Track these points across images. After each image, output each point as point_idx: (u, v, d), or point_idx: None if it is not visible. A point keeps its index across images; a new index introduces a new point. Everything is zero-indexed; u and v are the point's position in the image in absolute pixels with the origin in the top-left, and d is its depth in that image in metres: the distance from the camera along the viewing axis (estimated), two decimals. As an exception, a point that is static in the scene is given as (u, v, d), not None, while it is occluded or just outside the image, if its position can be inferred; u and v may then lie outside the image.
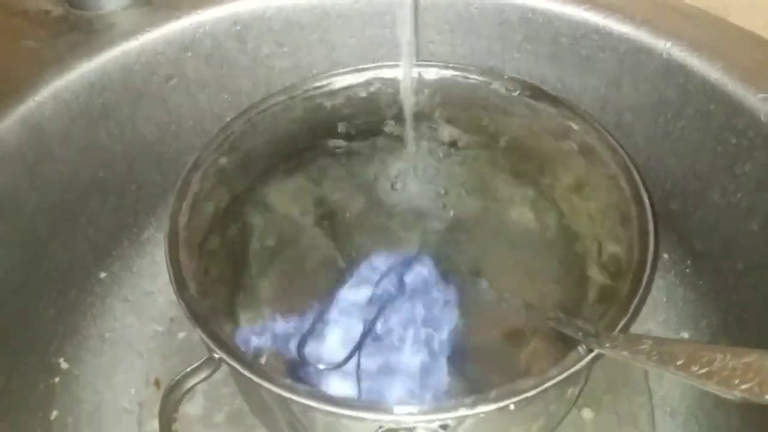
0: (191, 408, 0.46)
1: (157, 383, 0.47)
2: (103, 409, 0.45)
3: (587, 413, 0.44)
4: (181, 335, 0.50)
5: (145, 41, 0.45)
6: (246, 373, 0.30)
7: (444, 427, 0.31)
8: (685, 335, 0.45)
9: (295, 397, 0.29)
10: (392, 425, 0.30)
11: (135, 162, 0.49)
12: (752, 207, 0.40)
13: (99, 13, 0.47)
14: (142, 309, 0.50)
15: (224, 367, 0.46)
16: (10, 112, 0.41)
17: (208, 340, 0.31)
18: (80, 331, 0.47)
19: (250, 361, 0.30)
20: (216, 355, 0.31)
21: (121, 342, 0.48)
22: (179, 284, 0.33)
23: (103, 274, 0.49)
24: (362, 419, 0.28)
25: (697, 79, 0.41)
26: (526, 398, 0.29)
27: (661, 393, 0.44)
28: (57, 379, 0.44)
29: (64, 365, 0.45)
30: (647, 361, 0.27)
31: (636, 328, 0.47)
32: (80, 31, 0.45)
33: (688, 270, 0.46)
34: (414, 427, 0.31)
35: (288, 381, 0.29)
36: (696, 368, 0.24)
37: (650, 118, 0.45)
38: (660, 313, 0.47)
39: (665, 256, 0.48)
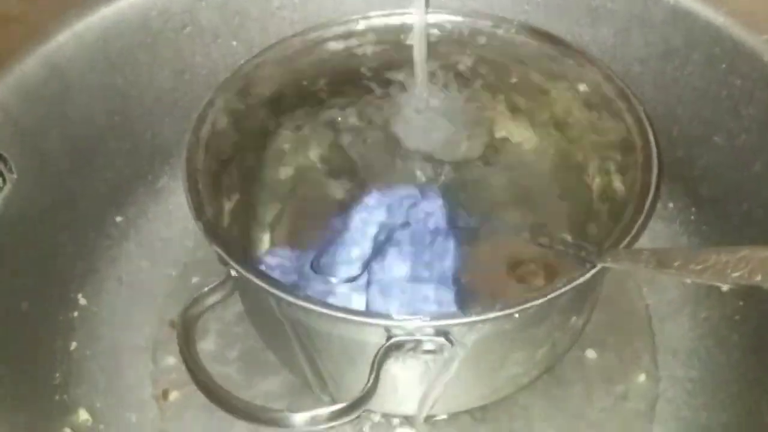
0: (204, 345, 0.47)
1: (172, 324, 0.49)
2: (119, 345, 0.46)
3: (591, 353, 0.45)
4: (194, 280, 0.51)
5: (161, -13, 0.46)
6: (259, 282, 0.31)
7: (449, 339, 0.32)
8: (688, 280, 0.46)
9: (305, 304, 0.30)
10: (398, 333, 0.31)
11: (150, 109, 0.50)
12: (755, 147, 0.41)
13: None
14: (157, 254, 0.51)
15: (236, 307, 0.48)
16: (33, 52, 0.42)
17: (223, 254, 0.32)
18: (98, 272, 0.48)
19: (263, 273, 0.32)
20: (232, 271, 0.33)
21: (136, 284, 0.50)
22: (197, 207, 0.35)
23: (119, 218, 0.50)
24: (367, 324, 0.29)
25: (703, 24, 0.42)
26: (531, 310, 0.30)
27: (664, 335, 0.45)
28: (76, 314, 0.46)
29: (82, 301, 0.46)
30: (647, 268, 0.28)
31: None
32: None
33: (692, 217, 0.47)
34: (420, 341, 0.32)
35: (299, 290, 0.30)
36: (692, 266, 0.25)
37: (658, 67, 0.46)
38: (664, 260, 0.48)
39: (670, 205, 0.48)
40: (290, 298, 0.31)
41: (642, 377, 0.43)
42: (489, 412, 0.42)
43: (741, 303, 0.42)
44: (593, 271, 0.31)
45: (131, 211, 0.51)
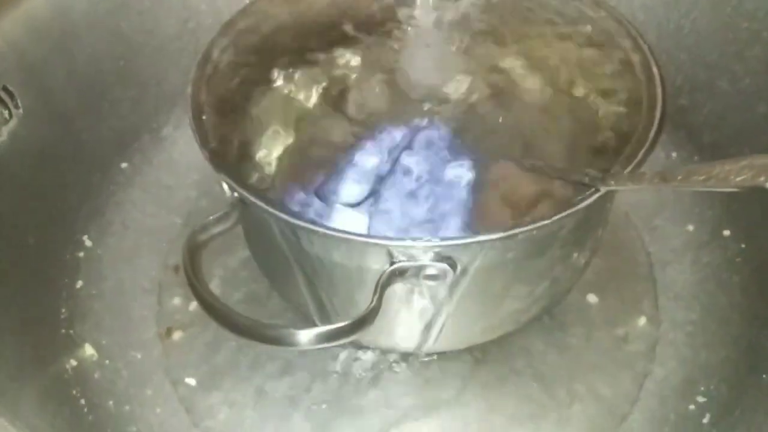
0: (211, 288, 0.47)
1: (176, 269, 0.49)
2: (124, 286, 0.47)
3: (592, 298, 0.45)
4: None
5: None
6: (263, 205, 0.31)
7: (452, 265, 0.32)
8: (690, 228, 0.46)
9: (308, 226, 0.30)
10: (401, 258, 0.31)
11: (155, 57, 0.51)
12: (760, 89, 0.41)
13: None
14: (162, 201, 0.52)
15: (241, 254, 0.48)
16: (40, -13, 0.43)
17: (228, 179, 0.32)
18: (104, 215, 0.49)
19: (267, 197, 0.32)
20: (236, 196, 0.33)
21: (141, 229, 0.50)
22: (202, 136, 0.35)
23: (124, 164, 0.51)
24: (369, 245, 0.30)
25: (710, -34, 0.42)
26: (534, 236, 0.30)
27: (666, 281, 0.45)
28: (82, 254, 0.46)
29: (88, 243, 0.47)
30: (649, 185, 0.28)
31: (643, 224, 0.48)
32: None
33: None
34: (423, 266, 0.32)
35: (302, 213, 0.30)
36: (695, 177, 0.25)
37: (662, 14, 0.46)
38: (667, 209, 0.48)
39: (673, 154, 0.49)
40: (294, 221, 0.31)
41: (643, 320, 0.44)
42: (489, 352, 0.43)
43: (743, 245, 0.42)
44: (596, 196, 0.31)
45: (136, 158, 0.52)
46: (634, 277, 0.46)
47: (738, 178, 0.23)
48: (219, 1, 0.51)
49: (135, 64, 0.50)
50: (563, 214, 0.30)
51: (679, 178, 0.26)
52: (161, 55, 0.51)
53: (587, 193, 0.31)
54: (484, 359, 0.43)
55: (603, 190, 0.30)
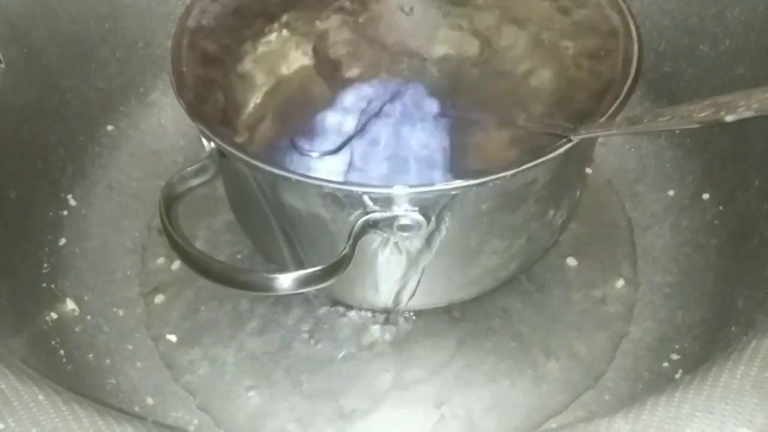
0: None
1: (159, 231, 0.49)
2: (108, 246, 0.47)
3: (571, 261, 0.46)
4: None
5: None
6: (239, 154, 0.31)
7: (425, 216, 0.32)
8: (671, 193, 0.47)
9: (282, 173, 0.31)
10: (375, 209, 0.31)
11: (142, 19, 0.51)
12: (739, 51, 0.41)
13: None
14: (147, 165, 0.52)
15: (225, 216, 0.49)
16: (21, -58, 0.43)
17: (204, 128, 0.33)
18: (88, 177, 0.49)
19: (240, 145, 0.32)
20: (212, 146, 0.33)
21: (126, 192, 0.50)
22: (180, 87, 0.35)
23: (110, 127, 0.51)
24: (341, 191, 0.30)
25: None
26: (505, 185, 0.31)
27: (645, 245, 0.46)
28: (65, 213, 0.46)
29: (72, 202, 0.47)
30: (618, 130, 0.28)
31: (625, 190, 0.49)
32: None
33: (677, 131, 0.47)
34: (396, 216, 0.33)
35: (277, 162, 0.31)
36: (661, 119, 0.25)
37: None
38: (649, 176, 0.48)
39: (656, 121, 0.49)
40: (268, 168, 0.31)
41: (621, 283, 0.44)
42: (467, 311, 0.43)
43: (720, 208, 0.42)
44: (568, 146, 0.31)
45: (123, 121, 0.52)
46: (614, 242, 0.46)
47: (701, 115, 0.23)
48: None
49: (122, 26, 0.50)
50: (534, 162, 0.30)
51: (646, 120, 0.26)
52: (148, 17, 0.51)
53: (559, 143, 0.31)
54: (462, 317, 0.43)
55: (575, 139, 0.31)
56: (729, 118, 0.22)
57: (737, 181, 0.41)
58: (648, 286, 0.44)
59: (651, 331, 0.41)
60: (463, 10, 0.41)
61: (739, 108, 0.22)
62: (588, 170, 0.47)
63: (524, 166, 0.30)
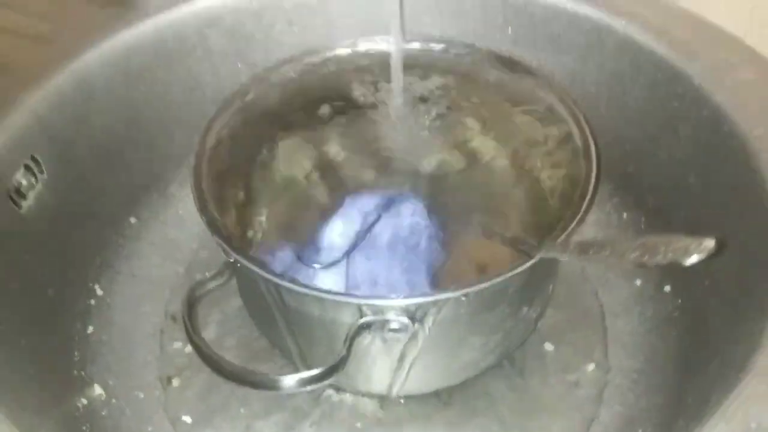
0: (206, 334, 0.52)
1: (173, 318, 0.54)
2: (131, 332, 0.52)
3: (548, 346, 0.50)
4: (197, 276, 0.57)
5: (176, 15, 0.53)
6: (250, 265, 0.37)
7: (412, 320, 0.37)
8: (638, 283, 0.51)
9: (288, 284, 0.36)
10: (369, 313, 0.36)
11: (163, 122, 0.57)
12: (691, 162, 0.46)
13: (138, -9, 0.55)
14: (166, 252, 0.57)
15: (235, 302, 0.54)
16: (63, 68, 0.49)
17: (221, 241, 0.38)
18: (113, 266, 0.54)
19: (253, 258, 0.37)
20: (231, 259, 0.38)
21: (147, 279, 0.55)
22: (201, 204, 0.41)
23: (133, 220, 0.56)
24: (338, 302, 0.35)
25: (647, 52, 0.48)
26: (476, 295, 0.36)
27: (616, 331, 0.50)
28: (93, 302, 0.51)
29: (99, 291, 0.52)
30: (570, 257, 0.33)
31: (597, 278, 0.53)
32: (122, 4, 0.53)
33: (642, 226, 0.52)
34: (387, 320, 0.38)
35: (284, 273, 0.36)
36: (603, 252, 0.30)
37: (611, 89, 0.52)
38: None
39: (624, 215, 0.54)
40: (277, 280, 0.37)
41: (592, 367, 0.49)
42: (455, 395, 0.48)
43: (680, 301, 0.47)
44: (529, 264, 0.36)
45: (144, 213, 0.57)
46: (588, 327, 0.51)
47: (631, 256, 0.28)
48: (221, 72, 0.58)
49: (146, 128, 0.56)
50: (498, 279, 0.35)
51: (591, 252, 0.31)
52: (169, 120, 0.57)
53: (521, 261, 0.36)
54: (449, 402, 0.47)
55: (536, 257, 0.36)
56: (650, 263, 0.27)
57: (694, 277, 0.46)
58: (618, 370, 0.48)
59: (619, 416, 0.45)
60: (450, 127, 0.47)
61: (658, 256, 0.27)
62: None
63: (491, 282, 0.36)
